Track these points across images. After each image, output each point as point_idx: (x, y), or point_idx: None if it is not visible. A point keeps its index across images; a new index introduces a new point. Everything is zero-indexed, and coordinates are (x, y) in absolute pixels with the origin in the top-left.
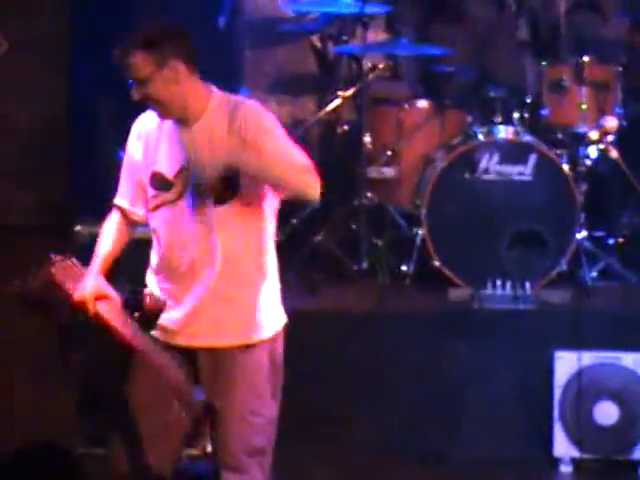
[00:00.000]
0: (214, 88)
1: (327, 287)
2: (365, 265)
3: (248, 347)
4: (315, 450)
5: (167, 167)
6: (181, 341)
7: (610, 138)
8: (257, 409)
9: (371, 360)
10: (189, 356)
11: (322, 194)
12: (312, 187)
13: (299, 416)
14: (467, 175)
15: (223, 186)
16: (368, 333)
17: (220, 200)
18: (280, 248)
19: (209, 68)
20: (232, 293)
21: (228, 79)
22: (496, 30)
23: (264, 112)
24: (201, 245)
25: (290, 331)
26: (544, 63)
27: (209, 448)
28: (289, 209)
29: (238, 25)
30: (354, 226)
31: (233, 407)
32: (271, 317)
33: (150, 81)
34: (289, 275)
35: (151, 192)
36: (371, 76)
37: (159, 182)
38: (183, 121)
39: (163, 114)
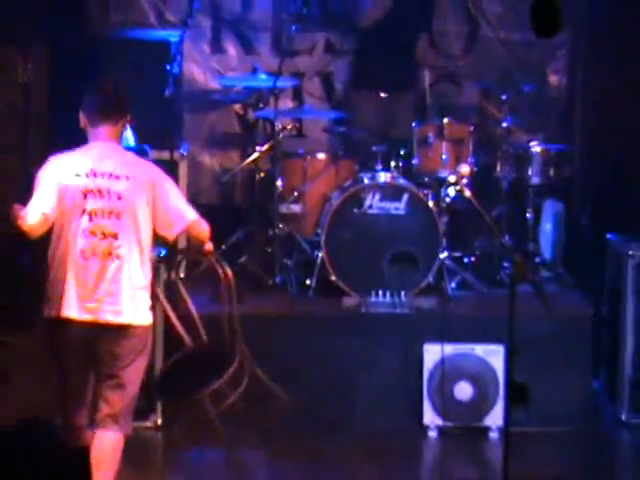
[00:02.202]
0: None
1: (250, 296)
2: (278, 280)
3: None
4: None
5: None
6: None
7: (464, 181)
8: None
9: (283, 352)
10: None
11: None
12: None
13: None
14: (356, 210)
15: None
16: (281, 331)
17: None
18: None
19: (158, 128)
20: None
21: (172, 136)
22: (379, 100)
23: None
24: None
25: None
26: (414, 124)
27: (160, 421)
28: (220, 237)
29: (180, 94)
30: (270, 250)
31: None
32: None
33: None
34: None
35: None
36: (282, 135)
37: None
38: None
39: None
